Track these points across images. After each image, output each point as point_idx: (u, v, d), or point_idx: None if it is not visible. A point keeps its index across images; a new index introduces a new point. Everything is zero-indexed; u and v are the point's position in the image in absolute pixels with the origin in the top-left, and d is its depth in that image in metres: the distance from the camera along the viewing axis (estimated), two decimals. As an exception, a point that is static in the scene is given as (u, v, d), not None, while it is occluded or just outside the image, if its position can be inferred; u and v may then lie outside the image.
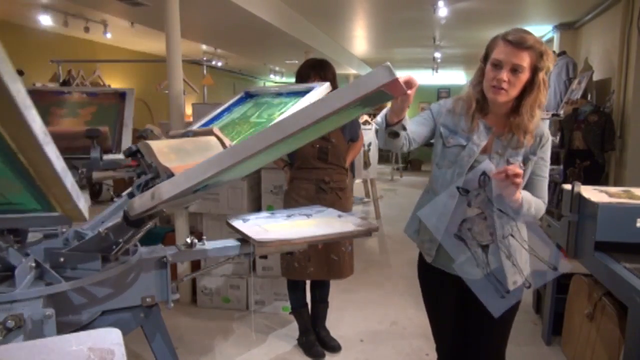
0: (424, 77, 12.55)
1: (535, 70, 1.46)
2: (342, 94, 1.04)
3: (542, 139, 1.57)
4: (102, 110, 2.19)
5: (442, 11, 4.90)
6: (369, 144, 6.04)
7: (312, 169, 2.63)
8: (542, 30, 6.12)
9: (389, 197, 7.85)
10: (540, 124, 1.56)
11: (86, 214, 1.05)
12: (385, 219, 6.26)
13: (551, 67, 1.50)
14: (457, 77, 13.47)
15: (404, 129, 1.50)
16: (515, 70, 1.44)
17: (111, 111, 2.18)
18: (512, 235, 1.53)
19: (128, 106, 2.18)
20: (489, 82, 1.48)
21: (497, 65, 1.46)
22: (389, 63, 1.02)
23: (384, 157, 10.58)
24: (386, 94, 1.13)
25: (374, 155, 6.10)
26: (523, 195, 1.48)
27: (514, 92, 1.47)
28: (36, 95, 2.23)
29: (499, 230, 1.52)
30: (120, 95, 2.25)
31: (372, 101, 1.17)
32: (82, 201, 1.01)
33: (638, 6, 4.10)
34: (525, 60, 1.44)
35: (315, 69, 2.59)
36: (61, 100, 2.22)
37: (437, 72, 10.04)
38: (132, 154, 1.36)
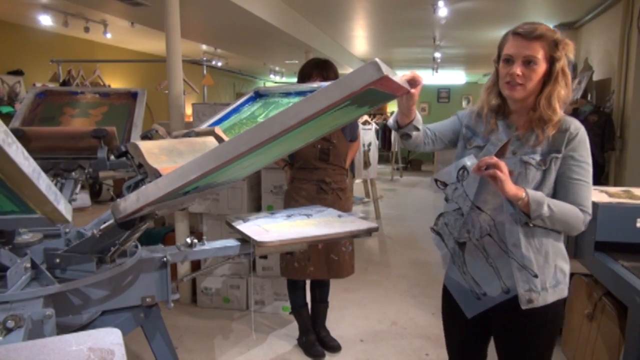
0: (424, 77, 12.49)
1: (552, 61, 1.36)
2: (327, 92, 1.00)
3: (570, 135, 1.40)
4: (113, 110, 2.19)
5: (442, 11, 4.89)
6: (369, 144, 6.03)
7: (313, 170, 2.63)
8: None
9: (389, 197, 7.85)
10: (568, 118, 1.42)
11: (68, 216, 1.02)
12: (385, 219, 6.26)
13: (572, 57, 1.38)
14: (457, 77, 13.47)
15: (416, 129, 1.48)
16: (528, 62, 1.35)
17: (122, 111, 2.18)
18: (489, 235, 1.42)
19: (139, 106, 2.18)
20: (502, 79, 1.41)
21: (509, 61, 1.38)
22: (377, 59, 0.97)
23: (384, 157, 10.58)
24: (384, 93, 1.10)
25: (374, 155, 6.11)
26: (531, 194, 1.33)
27: (531, 85, 1.37)
28: (51, 95, 2.24)
29: (476, 228, 1.44)
30: (132, 95, 2.24)
31: (367, 100, 1.13)
32: (63, 203, 0.99)
33: (638, 6, 4.10)
34: (537, 51, 1.34)
35: (318, 68, 2.59)
36: (74, 100, 2.22)
37: (437, 72, 10.04)
38: (121, 154, 1.35)
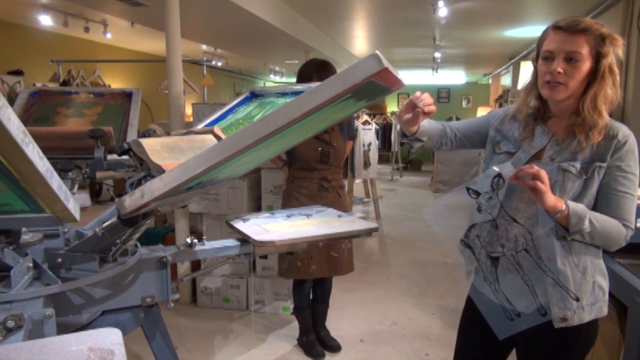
0: (424, 77, 12.57)
1: (597, 57, 1.22)
2: (330, 85, 1.01)
3: (617, 143, 1.25)
4: (108, 110, 2.19)
5: (442, 11, 4.90)
6: (369, 144, 6.03)
7: (314, 169, 2.64)
8: (541, 30, 6.12)
9: (389, 197, 7.85)
10: (616, 124, 1.28)
11: (76, 214, 1.03)
12: (385, 219, 6.26)
13: (621, 54, 1.24)
14: (457, 77, 13.47)
15: (420, 141, 1.46)
16: (570, 59, 1.22)
17: (117, 111, 2.17)
18: (526, 250, 1.29)
19: (134, 106, 2.18)
20: (542, 78, 1.27)
21: (549, 58, 1.25)
22: (378, 52, 0.98)
23: (384, 157, 10.59)
24: (381, 86, 1.11)
25: (374, 155, 6.11)
26: (572, 207, 1.21)
27: (573, 84, 1.23)
28: (45, 95, 2.24)
29: (510, 242, 1.32)
30: (127, 95, 2.24)
31: (366, 94, 1.14)
32: (72, 202, 1.00)
33: (638, 6, 4.10)
34: (581, 46, 1.21)
35: (318, 71, 2.59)
36: (68, 100, 2.22)
37: (437, 72, 10.05)
38: (124, 152, 1.35)
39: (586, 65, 1.23)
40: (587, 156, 1.27)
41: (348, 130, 2.78)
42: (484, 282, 1.39)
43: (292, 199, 2.65)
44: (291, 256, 2.61)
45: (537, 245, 1.28)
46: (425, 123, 1.48)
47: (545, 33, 1.32)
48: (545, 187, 1.17)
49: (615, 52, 1.24)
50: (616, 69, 1.25)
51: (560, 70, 1.23)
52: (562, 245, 1.27)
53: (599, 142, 1.26)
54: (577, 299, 1.27)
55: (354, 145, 5.80)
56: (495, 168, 1.31)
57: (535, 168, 1.18)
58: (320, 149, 2.61)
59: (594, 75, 1.24)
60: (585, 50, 1.22)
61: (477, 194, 1.35)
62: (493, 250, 1.35)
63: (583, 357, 1.37)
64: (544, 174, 1.18)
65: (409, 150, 11.74)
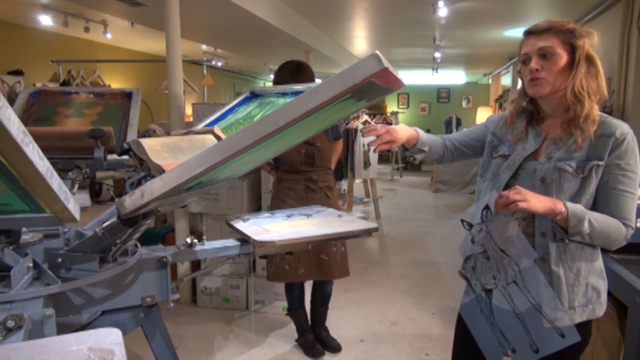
0: (424, 77, 12.57)
1: (572, 50, 1.26)
2: (330, 85, 1.01)
3: (615, 141, 1.25)
4: (108, 110, 2.19)
5: (442, 11, 4.90)
6: (369, 144, 6.03)
7: (300, 172, 2.63)
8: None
9: (389, 197, 7.85)
10: (614, 121, 1.28)
11: (77, 214, 1.03)
12: (385, 219, 6.26)
13: (595, 41, 1.27)
14: (457, 77, 13.47)
15: (422, 151, 1.52)
16: (545, 55, 1.27)
17: (117, 111, 2.17)
18: (515, 283, 1.29)
19: (134, 106, 2.18)
20: (525, 79, 1.33)
21: (527, 60, 1.32)
22: (377, 52, 0.99)
23: (384, 157, 10.59)
24: (381, 86, 1.11)
25: (373, 155, 6.11)
26: (571, 209, 1.21)
27: (552, 78, 1.27)
28: (45, 95, 2.24)
29: (501, 274, 1.31)
30: (127, 95, 2.24)
31: (366, 94, 1.14)
32: (72, 202, 1.00)
33: (638, 6, 4.10)
34: (551, 41, 1.27)
35: (293, 77, 2.52)
36: (68, 100, 2.22)
37: (437, 72, 10.06)
38: (124, 152, 1.35)
39: (562, 59, 1.27)
40: (583, 154, 1.27)
41: (332, 130, 2.76)
42: (480, 314, 1.39)
43: (278, 202, 2.63)
44: (278, 259, 2.58)
45: (525, 278, 1.28)
46: (423, 134, 1.55)
47: (520, 42, 1.38)
48: (525, 202, 1.18)
49: (584, 41, 1.26)
50: (597, 61, 1.28)
51: (537, 67, 1.28)
52: (557, 247, 1.29)
53: (596, 140, 1.26)
54: (564, 336, 1.25)
55: (354, 145, 5.80)
56: (483, 200, 1.32)
57: (504, 194, 1.20)
58: (304, 151, 2.59)
59: (572, 67, 1.27)
60: (556, 44, 1.27)
61: (471, 225, 1.36)
62: (486, 282, 1.36)
63: (576, 358, 1.37)
64: (515, 192, 1.19)
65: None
